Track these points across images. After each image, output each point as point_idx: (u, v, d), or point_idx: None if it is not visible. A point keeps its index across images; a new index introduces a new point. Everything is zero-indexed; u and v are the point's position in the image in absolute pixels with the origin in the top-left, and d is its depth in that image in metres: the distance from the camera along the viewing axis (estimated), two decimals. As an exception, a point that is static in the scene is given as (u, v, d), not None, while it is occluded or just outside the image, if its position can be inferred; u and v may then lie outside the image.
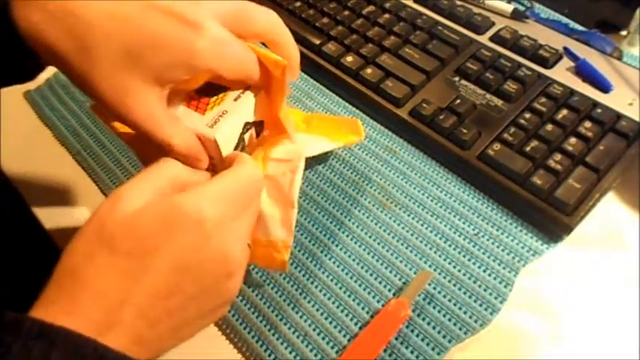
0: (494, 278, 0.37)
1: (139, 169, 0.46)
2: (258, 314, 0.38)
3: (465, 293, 0.36)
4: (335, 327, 0.36)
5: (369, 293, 0.37)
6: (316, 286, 0.38)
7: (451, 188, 0.42)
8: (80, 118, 0.51)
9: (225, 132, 0.33)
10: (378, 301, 0.37)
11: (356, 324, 0.36)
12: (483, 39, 0.50)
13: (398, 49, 0.49)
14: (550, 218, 0.38)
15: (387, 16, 0.53)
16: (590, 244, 0.39)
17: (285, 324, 0.37)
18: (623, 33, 0.52)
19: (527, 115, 0.43)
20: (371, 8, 0.54)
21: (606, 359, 0.34)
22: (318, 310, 0.37)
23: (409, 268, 0.38)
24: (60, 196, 0.46)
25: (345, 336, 0.36)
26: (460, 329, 0.35)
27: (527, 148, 0.41)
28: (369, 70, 0.48)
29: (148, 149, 0.33)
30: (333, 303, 0.37)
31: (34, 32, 0.30)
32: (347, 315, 0.36)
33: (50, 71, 0.54)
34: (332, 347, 0.35)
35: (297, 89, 0.51)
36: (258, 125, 0.35)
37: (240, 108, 0.34)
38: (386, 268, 0.38)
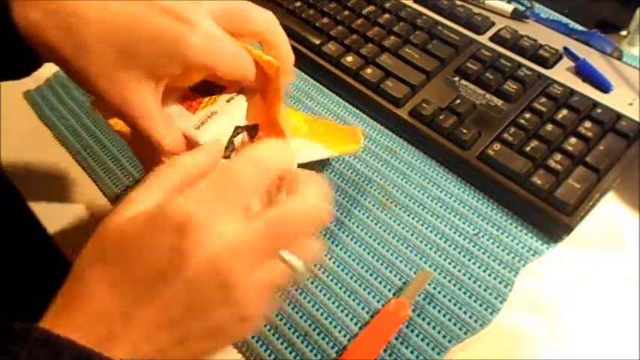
0: (494, 278, 0.37)
1: (138, 169, 0.46)
2: (258, 314, 0.38)
3: (465, 293, 0.36)
4: (335, 327, 0.36)
5: (369, 293, 0.37)
6: (316, 286, 0.38)
7: (451, 188, 0.42)
8: (80, 118, 0.51)
9: (211, 134, 0.33)
10: (378, 301, 0.37)
11: (356, 324, 0.36)
12: (483, 39, 0.50)
13: (398, 49, 0.49)
14: (550, 218, 0.38)
15: (387, 16, 0.53)
16: (590, 244, 0.39)
17: (285, 324, 0.37)
18: (623, 33, 0.52)
19: (527, 115, 0.43)
20: (371, 8, 0.54)
21: (606, 359, 0.34)
22: (318, 310, 0.37)
23: (409, 268, 0.38)
24: (60, 196, 0.46)
25: (345, 336, 0.36)
26: (460, 329, 0.35)
27: (527, 148, 0.41)
28: (369, 70, 0.48)
29: (145, 147, 0.34)
30: (333, 303, 0.37)
31: (34, 31, 0.30)
32: (347, 315, 0.36)
33: (50, 71, 0.54)
34: (332, 347, 0.35)
35: (297, 89, 0.51)
36: (252, 129, 0.35)
37: (232, 110, 0.34)
38: (386, 268, 0.38)
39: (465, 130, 0.43)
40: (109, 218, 0.27)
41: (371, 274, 0.38)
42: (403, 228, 0.40)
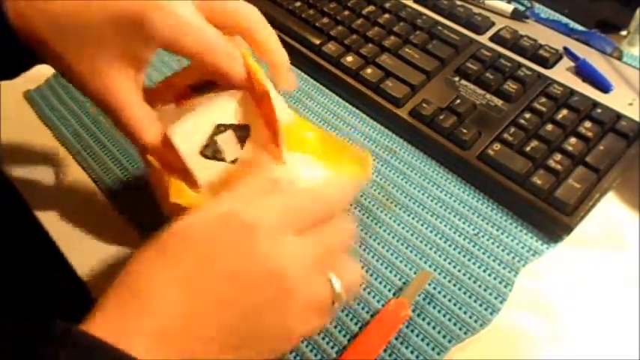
0: (494, 278, 0.37)
1: (139, 169, 0.46)
2: (258, 314, 0.38)
3: (465, 293, 0.36)
4: (335, 327, 0.36)
5: (369, 293, 0.37)
6: (316, 286, 0.38)
7: (451, 188, 0.42)
8: (80, 118, 0.51)
9: (183, 130, 0.31)
10: (378, 301, 0.37)
11: (356, 324, 0.36)
12: (483, 39, 0.50)
13: (398, 49, 0.49)
14: (550, 218, 0.38)
15: (387, 16, 0.53)
16: (590, 244, 0.39)
17: (285, 324, 0.37)
18: (623, 33, 0.52)
19: (527, 115, 0.43)
20: (371, 8, 0.54)
21: (606, 359, 0.34)
22: (318, 310, 0.37)
23: (409, 268, 0.38)
24: (60, 196, 0.46)
25: (345, 336, 0.36)
26: (460, 329, 0.35)
27: (527, 148, 0.41)
28: (369, 70, 0.48)
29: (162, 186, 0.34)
30: (333, 303, 0.37)
31: (28, 29, 0.31)
32: (347, 315, 0.36)
33: (50, 71, 0.54)
34: (332, 347, 0.35)
35: (297, 89, 0.51)
36: (240, 129, 0.33)
37: (213, 108, 0.32)
38: (386, 268, 0.38)
39: (465, 130, 0.43)
40: (174, 222, 0.28)
41: (371, 274, 0.38)
42: (403, 228, 0.40)
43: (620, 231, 0.40)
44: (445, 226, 0.40)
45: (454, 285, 0.37)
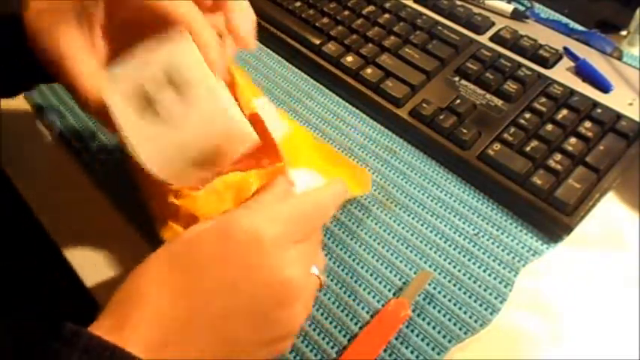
0: (494, 278, 0.37)
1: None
2: (258, 314, 0.38)
3: (465, 293, 0.36)
4: (335, 327, 0.36)
5: (369, 293, 0.37)
6: (316, 286, 0.38)
7: (451, 188, 0.42)
8: (80, 118, 0.51)
9: (118, 74, 0.30)
10: (378, 301, 0.37)
11: (356, 324, 0.36)
12: (483, 39, 0.50)
13: (398, 49, 0.49)
14: (550, 218, 0.38)
15: (387, 16, 0.53)
16: (590, 244, 0.39)
17: (285, 324, 0.37)
18: (623, 33, 0.52)
19: (527, 115, 0.43)
20: (371, 8, 0.54)
21: (606, 359, 0.34)
22: (318, 310, 0.37)
23: (409, 268, 0.38)
24: (59, 195, 0.46)
25: (345, 336, 0.36)
26: (460, 329, 0.35)
27: (527, 148, 0.41)
28: (369, 70, 0.48)
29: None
30: (334, 303, 0.37)
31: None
32: (347, 315, 0.36)
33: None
34: (332, 347, 0.35)
35: (297, 89, 0.51)
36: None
37: (159, 51, 0.30)
38: (386, 268, 0.38)
39: (465, 130, 0.43)
40: (184, 232, 0.29)
41: (371, 274, 0.38)
42: (403, 228, 0.40)
43: (620, 231, 0.40)
44: (445, 226, 0.40)
45: (454, 285, 0.37)
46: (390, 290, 0.37)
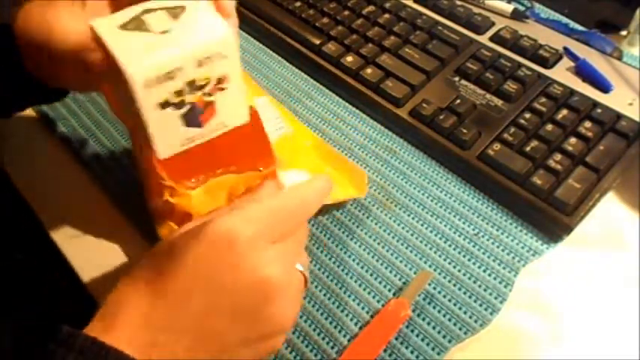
0: (494, 278, 0.37)
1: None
2: (258, 314, 0.38)
3: (465, 293, 0.36)
4: (335, 327, 0.36)
5: (369, 293, 0.37)
6: (316, 286, 0.38)
7: (451, 188, 0.42)
8: (80, 118, 0.51)
9: (109, 19, 0.29)
10: (378, 301, 0.37)
11: (356, 324, 0.36)
12: (483, 39, 0.50)
13: (398, 49, 0.49)
14: (550, 218, 0.38)
15: (387, 16, 0.53)
16: (590, 244, 0.39)
17: (285, 324, 0.37)
18: (623, 33, 0.52)
19: (527, 115, 0.43)
20: (371, 8, 0.54)
21: (606, 359, 0.34)
22: (318, 309, 0.37)
23: (409, 268, 0.38)
24: (60, 195, 0.46)
25: (345, 336, 0.36)
26: (460, 329, 0.35)
27: (527, 148, 0.41)
28: (369, 70, 0.48)
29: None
30: (334, 303, 0.37)
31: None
32: (347, 315, 0.36)
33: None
34: (332, 347, 0.35)
35: (297, 89, 0.51)
36: (174, 8, 0.29)
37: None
38: (386, 268, 0.38)
39: (465, 130, 0.43)
40: (173, 232, 0.30)
41: (371, 274, 0.38)
42: (403, 228, 0.40)
43: (620, 231, 0.40)
44: (445, 226, 0.40)
45: (454, 285, 0.37)
46: (390, 290, 0.37)
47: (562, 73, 0.46)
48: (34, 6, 0.33)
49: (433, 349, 0.34)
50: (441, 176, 0.43)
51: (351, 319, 0.36)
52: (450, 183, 0.42)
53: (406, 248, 0.39)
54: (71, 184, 0.47)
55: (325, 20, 0.53)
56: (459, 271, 0.38)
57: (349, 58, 0.50)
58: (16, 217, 0.48)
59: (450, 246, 0.39)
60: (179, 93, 0.28)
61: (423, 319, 0.36)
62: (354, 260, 0.39)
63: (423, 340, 0.35)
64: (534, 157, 0.40)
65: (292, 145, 0.42)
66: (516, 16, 0.52)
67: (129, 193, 0.43)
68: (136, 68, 0.26)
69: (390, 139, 0.46)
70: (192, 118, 0.29)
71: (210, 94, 0.29)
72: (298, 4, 0.56)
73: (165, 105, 0.28)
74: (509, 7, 0.52)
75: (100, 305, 0.28)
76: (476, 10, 0.52)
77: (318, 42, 0.52)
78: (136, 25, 0.28)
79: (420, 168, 0.44)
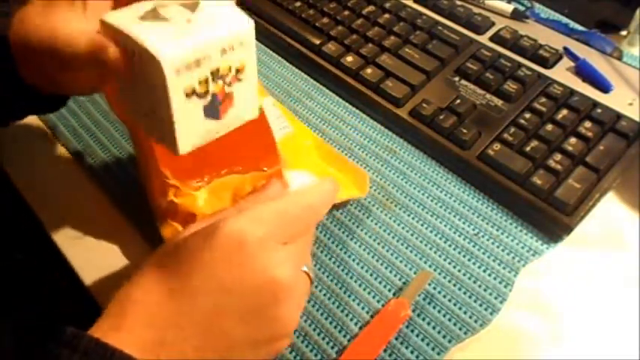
0: (494, 278, 0.37)
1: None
2: (258, 314, 0.38)
3: (465, 293, 0.36)
4: (335, 327, 0.36)
5: (369, 293, 0.37)
6: (316, 286, 0.38)
7: (451, 188, 0.42)
8: (80, 118, 0.51)
9: (122, 12, 0.28)
10: (378, 301, 0.37)
11: (356, 324, 0.36)
12: (483, 39, 0.50)
13: (398, 49, 0.49)
14: (550, 218, 0.38)
15: (387, 16, 0.53)
16: (590, 244, 0.39)
17: (285, 324, 0.37)
18: (623, 33, 0.52)
19: (527, 115, 0.43)
20: (371, 8, 0.54)
21: (606, 359, 0.34)
22: (318, 309, 0.37)
23: (409, 268, 0.38)
24: (60, 195, 0.46)
25: (345, 336, 0.36)
26: (460, 329, 0.35)
27: (527, 148, 0.41)
28: (369, 70, 0.48)
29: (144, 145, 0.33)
30: (334, 303, 0.37)
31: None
32: (347, 315, 0.36)
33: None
34: (332, 347, 0.35)
35: (297, 89, 0.51)
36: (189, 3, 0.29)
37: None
38: (386, 268, 0.38)
39: (465, 130, 0.43)
40: (179, 233, 0.30)
41: (371, 274, 0.38)
42: (403, 228, 0.40)
43: (620, 231, 0.40)
44: (445, 226, 0.40)
45: (454, 285, 0.37)
46: (390, 290, 0.37)
47: (562, 73, 0.46)
48: (31, 12, 0.33)
49: (433, 349, 0.34)
50: (441, 176, 0.43)
51: (351, 319, 0.36)
52: (450, 183, 0.42)
53: (406, 248, 0.39)
54: (71, 184, 0.47)
55: (325, 20, 0.53)
56: (459, 271, 0.38)
57: (349, 58, 0.50)
58: (16, 217, 0.48)
59: (450, 246, 0.39)
60: (204, 82, 0.28)
61: (423, 319, 0.36)
62: (354, 260, 0.39)
63: (423, 340, 0.35)
64: (534, 157, 0.40)
65: (294, 146, 0.42)
66: (516, 16, 0.52)
67: (129, 193, 0.43)
68: (166, 54, 0.26)
69: (390, 139, 0.46)
70: (212, 110, 0.29)
71: (229, 84, 0.29)
72: (298, 4, 0.56)
73: (191, 94, 0.28)
74: (509, 7, 0.52)
75: (100, 305, 0.28)
76: (476, 10, 0.52)
77: (318, 42, 0.52)
78: (154, 16, 0.28)
79: (420, 168, 0.44)
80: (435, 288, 0.37)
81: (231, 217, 0.28)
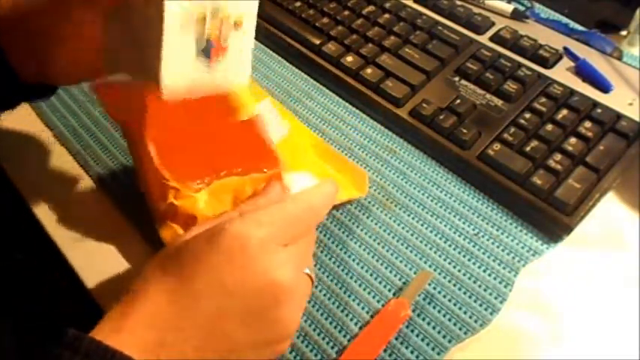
0: (494, 278, 0.37)
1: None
2: (258, 314, 0.38)
3: (465, 293, 0.36)
4: (335, 327, 0.36)
5: (369, 293, 0.37)
6: (316, 286, 0.38)
7: (451, 188, 0.42)
8: (80, 118, 0.51)
9: None
10: (378, 301, 0.37)
11: (356, 324, 0.36)
12: (483, 39, 0.50)
13: (398, 49, 0.49)
14: (550, 218, 0.38)
15: (387, 16, 0.53)
16: (590, 244, 0.39)
17: (285, 324, 0.37)
18: (623, 33, 0.52)
19: (527, 115, 0.43)
20: (371, 8, 0.54)
21: (606, 359, 0.34)
22: (318, 310, 0.37)
23: (409, 268, 0.38)
24: (60, 196, 0.46)
25: (345, 336, 0.36)
26: (460, 329, 0.35)
27: (527, 148, 0.41)
28: (369, 70, 0.48)
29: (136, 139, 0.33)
30: (334, 303, 0.37)
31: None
32: (347, 315, 0.36)
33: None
34: (332, 347, 0.35)
35: (297, 89, 0.51)
36: None
37: None
38: (386, 268, 0.38)
39: (465, 130, 0.43)
40: (180, 237, 0.30)
41: (371, 274, 0.38)
42: (403, 228, 0.40)
43: (620, 231, 0.40)
44: (445, 226, 0.40)
45: (454, 285, 0.37)
46: (390, 290, 0.37)
47: (562, 73, 0.46)
48: None
49: (433, 349, 0.34)
50: (441, 176, 0.43)
51: (351, 319, 0.36)
52: (450, 183, 0.42)
53: (406, 248, 0.39)
54: (71, 184, 0.47)
55: (325, 20, 0.53)
56: (459, 271, 0.38)
57: (349, 58, 0.50)
58: (16, 217, 0.48)
59: (450, 246, 0.39)
60: (202, 19, 0.28)
61: (423, 319, 0.36)
62: (354, 260, 0.39)
63: (423, 340, 0.35)
64: (534, 157, 0.40)
65: (293, 146, 0.42)
66: (516, 16, 0.52)
67: (129, 193, 0.43)
68: None
69: (390, 139, 0.46)
70: (205, 51, 0.29)
71: (225, 38, 0.29)
72: (298, 4, 0.56)
73: (187, 27, 0.27)
74: (509, 7, 0.52)
75: (100, 306, 0.28)
76: (476, 10, 0.52)
77: (318, 42, 0.52)
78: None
79: (420, 168, 0.44)
80: (435, 288, 0.37)
81: (233, 221, 0.28)
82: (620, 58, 0.48)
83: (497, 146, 0.41)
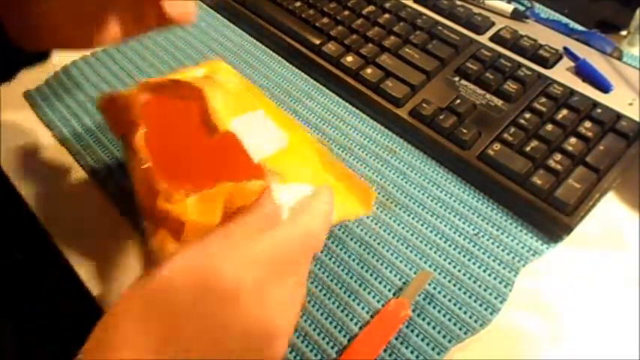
0: (494, 278, 0.37)
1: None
2: (258, 314, 0.38)
3: (465, 293, 0.36)
4: (335, 327, 0.36)
5: (369, 293, 0.37)
6: (316, 286, 0.38)
7: (451, 188, 0.42)
8: (80, 118, 0.51)
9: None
10: (378, 301, 0.37)
11: (356, 324, 0.36)
12: (483, 39, 0.50)
13: (398, 49, 0.49)
14: (550, 218, 0.38)
15: (387, 16, 0.53)
16: (590, 244, 0.39)
17: (285, 324, 0.37)
18: (623, 33, 0.52)
19: (527, 115, 0.43)
20: (371, 8, 0.54)
21: (606, 359, 0.34)
22: (318, 309, 0.37)
23: (409, 268, 0.38)
24: (60, 196, 0.46)
25: (345, 336, 0.36)
26: (460, 329, 0.35)
27: (527, 148, 0.41)
28: (369, 70, 0.48)
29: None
30: (334, 303, 0.37)
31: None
32: (347, 315, 0.36)
33: (50, 71, 0.54)
34: (332, 347, 0.35)
35: (297, 89, 0.51)
36: None
37: None
38: (386, 268, 0.38)
39: (465, 130, 0.43)
40: (158, 266, 0.26)
41: (371, 274, 0.38)
42: (403, 228, 0.40)
43: (620, 231, 0.40)
44: (445, 226, 0.40)
45: (454, 285, 0.37)
46: (390, 290, 0.37)
47: (562, 73, 0.46)
48: None
49: (433, 349, 0.34)
50: (441, 176, 0.43)
51: (351, 319, 0.36)
52: (450, 183, 0.42)
53: (406, 248, 0.39)
54: (71, 184, 0.47)
55: (325, 20, 0.53)
56: (459, 271, 0.38)
57: (349, 58, 0.50)
58: (16, 217, 0.48)
59: (450, 246, 0.39)
60: None
61: (423, 319, 0.36)
62: (354, 260, 0.39)
63: (423, 340, 0.35)
64: (534, 157, 0.40)
65: (295, 158, 0.42)
66: (516, 16, 0.52)
67: (129, 193, 0.43)
68: None
69: (390, 139, 0.46)
70: None
71: None
72: (298, 4, 0.56)
73: None
74: (509, 7, 0.52)
75: (100, 306, 0.27)
76: (476, 10, 0.52)
77: (318, 42, 0.52)
78: None
79: (420, 168, 0.44)
80: (435, 288, 0.37)
81: (223, 260, 0.26)
82: (620, 58, 0.48)
83: (497, 146, 0.41)
